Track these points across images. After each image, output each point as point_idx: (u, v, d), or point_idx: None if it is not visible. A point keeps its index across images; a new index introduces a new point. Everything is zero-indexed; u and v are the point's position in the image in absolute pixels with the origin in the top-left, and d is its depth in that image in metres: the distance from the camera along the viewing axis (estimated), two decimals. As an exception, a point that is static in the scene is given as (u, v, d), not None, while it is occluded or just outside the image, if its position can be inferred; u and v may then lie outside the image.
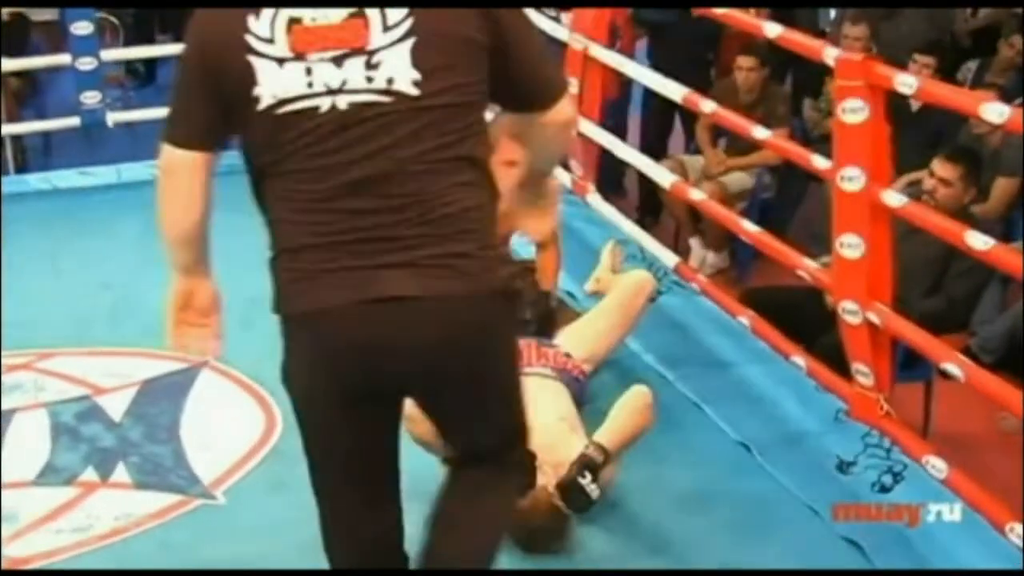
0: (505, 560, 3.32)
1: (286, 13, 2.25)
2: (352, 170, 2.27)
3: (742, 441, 3.89)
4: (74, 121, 6.36)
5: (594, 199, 5.55)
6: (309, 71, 2.25)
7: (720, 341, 4.50)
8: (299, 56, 2.25)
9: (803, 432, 3.93)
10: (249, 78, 2.27)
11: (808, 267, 4.14)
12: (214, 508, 3.57)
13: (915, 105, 5.40)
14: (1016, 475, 3.50)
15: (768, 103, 5.73)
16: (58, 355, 4.37)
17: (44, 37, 7.33)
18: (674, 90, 4.83)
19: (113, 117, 6.29)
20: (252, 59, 2.26)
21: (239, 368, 4.10)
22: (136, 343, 4.18)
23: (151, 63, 8.11)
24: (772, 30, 4.31)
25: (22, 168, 6.67)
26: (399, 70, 2.25)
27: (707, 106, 4.69)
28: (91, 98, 6.26)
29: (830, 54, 3.79)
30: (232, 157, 2.43)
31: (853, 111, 3.62)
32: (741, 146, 5.78)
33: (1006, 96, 5.06)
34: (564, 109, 2.45)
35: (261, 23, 2.26)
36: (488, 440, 2.55)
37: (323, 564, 2.62)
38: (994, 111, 3.30)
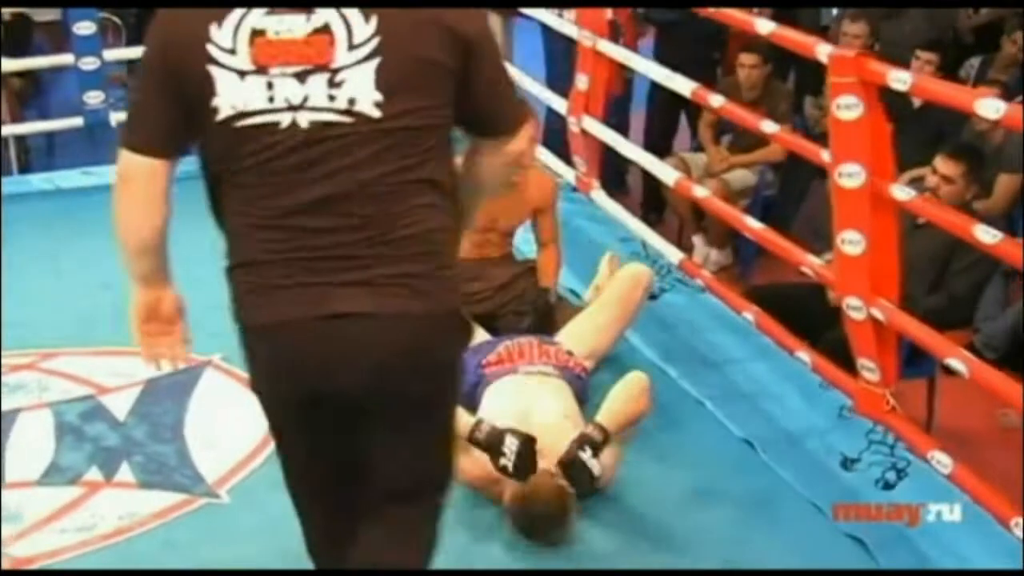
0: (506, 559, 3.35)
1: (249, 24, 2.21)
2: (313, 188, 2.23)
3: (745, 438, 3.90)
4: (77, 121, 6.38)
5: (598, 196, 5.56)
6: (270, 85, 2.20)
7: (723, 338, 4.51)
8: (261, 69, 2.20)
9: (807, 429, 3.93)
10: (208, 88, 2.22)
11: (811, 263, 4.14)
12: (218, 507, 3.58)
13: (916, 102, 5.40)
14: (1018, 470, 3.50)
15: (770, 100, 5.73)
16: (61, 355, 4.38)
17: (47, 37, 7.32)
18: (682, 85, 4.83)
19: (116, 117, 6.27)
20: (212, 69, 2.21)
21: (242, 367, 4.09)
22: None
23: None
24: (765, 27, 4.31)
25: (25, 168, 6.69)
26: (362, 90, 2.21)
27: (715, 100, 4.69)
28: (94, 98, 6.28)
29: (823, 51, 3.78)
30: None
31: (847, 107, 3.62)
32: (744, 143, 5.79)
33: (1009, 92, 5.06)
34: (519, 141, 2.41)
35: (223, 32, 2.21)
36: (418, 471, 2.45)
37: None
38: (990, 107, 3.29)
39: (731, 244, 5.87)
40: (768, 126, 4.48)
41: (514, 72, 5.01)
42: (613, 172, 6.16)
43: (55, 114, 6.85)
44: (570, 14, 5.70)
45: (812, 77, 6.19)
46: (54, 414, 4.02)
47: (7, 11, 7.02)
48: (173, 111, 2.27)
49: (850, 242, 3.73)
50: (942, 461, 3.56)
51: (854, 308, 3.78)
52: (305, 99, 2.21)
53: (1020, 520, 3.26)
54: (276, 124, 2.22)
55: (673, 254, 5.03)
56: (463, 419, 3.35)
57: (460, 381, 2.55)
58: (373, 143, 2.23)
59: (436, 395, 2.42)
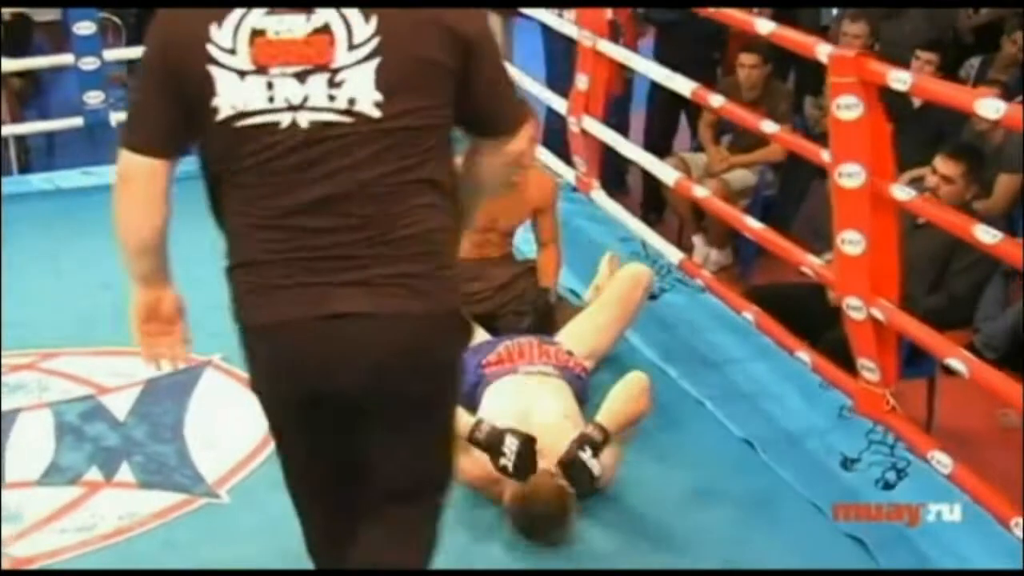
0: (506, 559, 3.34)
1: (249, 24, 2.21)
2: (313, 189, 2.23)
3: (745, 438, 3.90)
4: (77, 121, 6.38)
5: (598, 196, 5.56)
6: (270, 85, 2.20)
7: (724, 338, 4.51)
8: (261, 69, 2.20)
9: (807, 429, 3.93)
10: (208, 88, 2.22)
11: (811, 263, 4.14)
12: (218, 507, 3.58)
13: (916, 102, 5.40)
14: (1018, 470, 3.50)
15: (770, 100, 5.73)
16: (61, 355, 4.38)
17: (46, 37, 7.32)
18: (682, 85, 4.83)
19: (116, 117, 6.27)
20: (212, 69, 2.21)
21: (242, 367, 4.09)
22: (139, 343, 4.21)
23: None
24: (764, 27, 4.31)
25: (25, 168, 6.68)
26: (362, 91, 2.21)
27: (715, 100, 4.69)
28: (94, 98, 6.28)
29: (823, 51, 3.78)
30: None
31: (847, 107, 3.62)
32: (744, 143, 5.79)
33: (1009, 92, 5.06)
34: (519, 141, 2.41)
35: (223, 32, 2.21)
36: (418, 471, 2.46)
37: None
38: (990, 107, 3.29)
39: (731, 244, 5.87)
40: (768, 126, 4.48)
41: (514, 72, 5.02)
42: (613, 172, 6.16)
43: (55, 114, 6.85)
44: (570, 14, 5.71)
45: (812, 77, 6.19)
46: (54, 414, 4.02)
47: (7, 11, 7.02)
48: (173, 111, 2.26)
49: (850, 242, 3.73)
50: (942, 461, 3.56)
51: (854, 308, 3.78)
52: (305, 99, 2.21)
53: (1020, 520, 3.26)
54: (276, 124, 2.22)
55: (673, 254, 5.03)
56: (463, 419, 3.35)
57: (460, 381, 2.55)
58: (373, 143, 2.23)
59: (436, 395, 2.42)
